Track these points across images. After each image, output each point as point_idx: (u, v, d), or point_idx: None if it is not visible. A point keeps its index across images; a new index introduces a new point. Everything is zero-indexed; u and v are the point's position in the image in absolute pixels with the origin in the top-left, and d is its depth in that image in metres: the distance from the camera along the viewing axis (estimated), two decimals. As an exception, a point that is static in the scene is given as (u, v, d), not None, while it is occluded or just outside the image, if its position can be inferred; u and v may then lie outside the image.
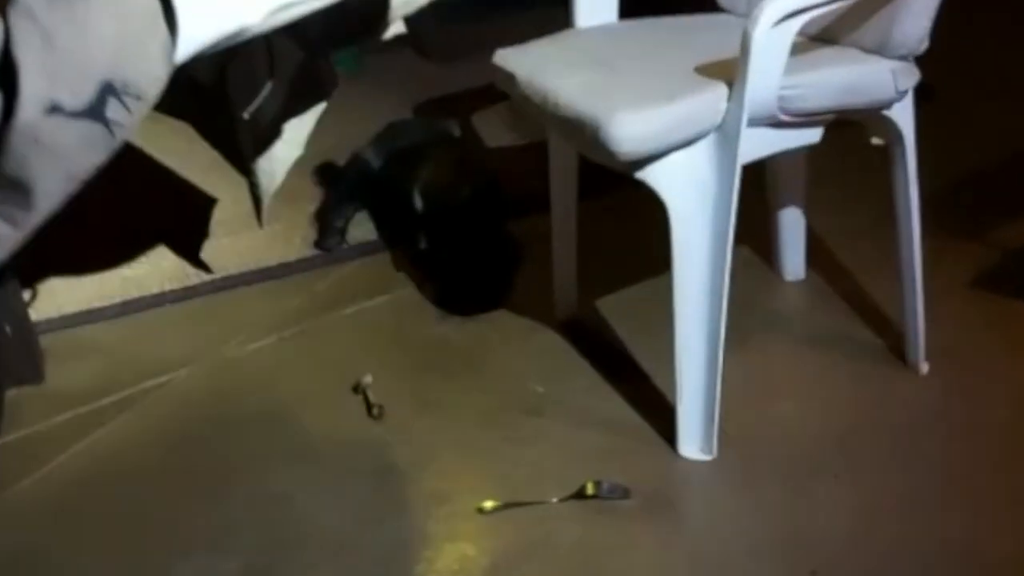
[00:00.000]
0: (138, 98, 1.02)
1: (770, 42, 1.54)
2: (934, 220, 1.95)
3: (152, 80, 1.03)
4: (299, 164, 2.92)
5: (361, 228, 2.66)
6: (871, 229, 2.30)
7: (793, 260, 2.26)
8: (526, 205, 2.52)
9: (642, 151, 1.60)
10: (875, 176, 1.90)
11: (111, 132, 1.02)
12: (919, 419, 1.87)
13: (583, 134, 1.62)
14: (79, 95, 1.00)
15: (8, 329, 2.13)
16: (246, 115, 1.77)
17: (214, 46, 1.10)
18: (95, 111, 1.00)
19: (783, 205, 2.19)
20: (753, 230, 1.92)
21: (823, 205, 2.35)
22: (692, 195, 1.65)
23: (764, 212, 2.21)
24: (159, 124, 3.22)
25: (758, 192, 2.08)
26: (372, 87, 3.22)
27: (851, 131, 1.81)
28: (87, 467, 1.93)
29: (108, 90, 1.00)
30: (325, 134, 2.40)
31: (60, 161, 1.00)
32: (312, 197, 2.82)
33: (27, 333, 2.21)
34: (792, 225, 2.21)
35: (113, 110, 1.01)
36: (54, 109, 0.98)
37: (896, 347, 2.00)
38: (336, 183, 2.69)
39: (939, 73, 1.94)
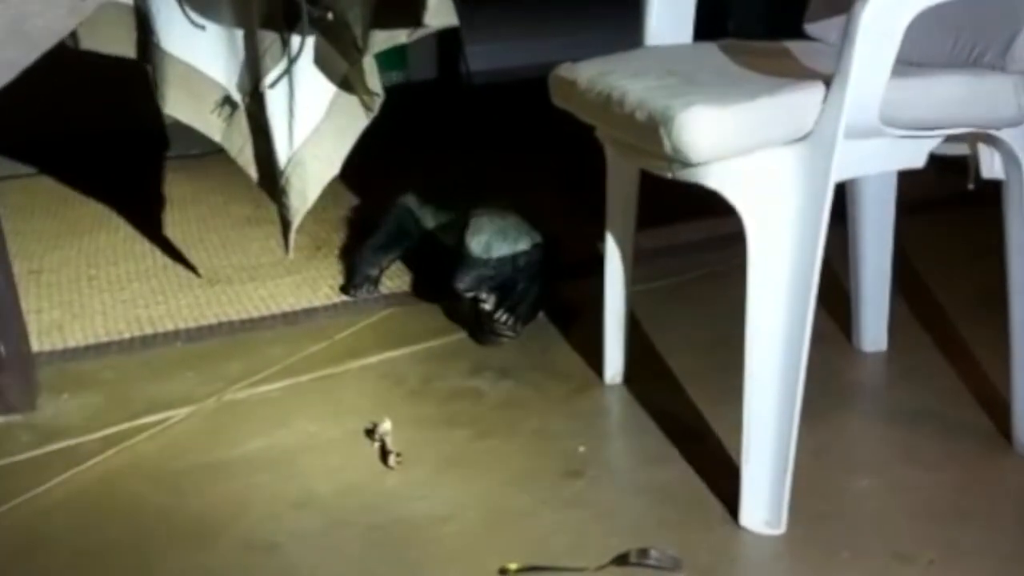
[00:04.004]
0: None
1: (879, 30, 1.33)
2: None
3: None
4: (331, 216, 2.83)
5: (394, 280, 2.47)
6: (970, 308, 2.13)
7: (874, 328, 2.01)
8: (579, 269, 2.37)
9: (719, 152, 1.38)
10: (983, 255, 1.68)
11: None
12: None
13: (650, 135, 1.41)
14: None
15: (3, 350, 1.97)
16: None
17: None
18: None
19: (867, 265, 1.95)
20: (827, 294, 1.66)
21: (914, 279, 2.17)
22: (774, 212, 1.42)
23: (842, 274, 1.98)
24: (199, 181, 3.23)
25: (834, 247, 1.85)
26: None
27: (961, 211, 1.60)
28: (62, 502, 1.72)
29: None
30: (358, 182, 2.30)
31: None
32: (341, 247, 2.69)
33: (23, 358, 2.06)
34: (876, 289, 1.97)
35: None
36: None
37: (1000, 427, 1.74)
38: (375, 231, 2.50)
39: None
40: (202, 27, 2.04)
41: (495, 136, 3.68)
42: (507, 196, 2.39)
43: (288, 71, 1.89)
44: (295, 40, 1.92)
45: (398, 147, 3.23)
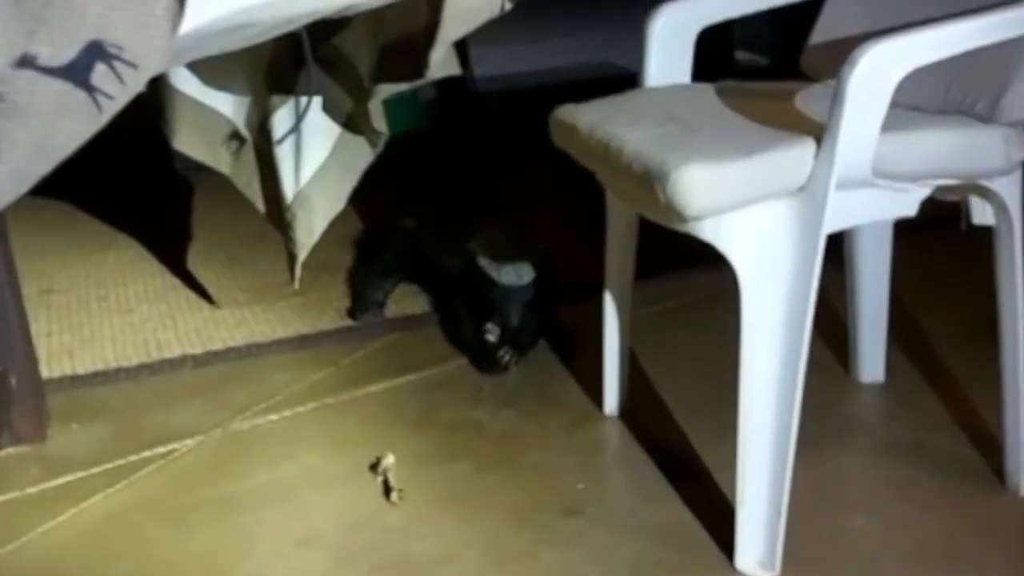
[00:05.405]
0: (133, 67, 0.85)
1: (869, 91, 1.35)
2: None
3: (151, 48, 0.86)
4: (337, 235, 2.84)
5: (398, 303, 2.50)
6: (968, 339, 2.13)
7: (872, 360, 2.03)
8: (579, 293, 2.35)
9: (713, 208, 1.40)
10: (981, 284, 1.69)
11: (96, 103, 0.84)
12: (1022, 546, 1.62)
13: (647, 188, 1.43)
14: (59, 50, 0.83)
15: (13, 381, 2.00)
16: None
17: (213, 24, 0.94)
18: (77, 73, 0.82)
19: (864, 295, 1.97)
20: (825, 324, 1.69)
21: (913, 308, 2.18)
22: (767, 264, 1.44)
23: (839, 304, 2.00)
24: (205, 194, 3.24)
25: (832, 277, 1.87)
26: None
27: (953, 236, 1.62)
28: (71, 538, 1.75)
29: (96, 52, 0.83)
30: (365, 205, 2.33)
31: (30, 124, 0.82)
32: (348, 269, 2.72)
33: (34, 388, 2.08)
34: (873, 319, 1.99)
35: (100, 77, 0.84)
36: (25, 61, 0.80)
37: (992, 465, 1.76)
38: (379, 255, 2.53)
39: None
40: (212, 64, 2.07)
41: (497, 146, 3.70)
42: (505, 217, 2.40)
43: (297, 127, 1.92)
44: (302, 79, 1.94)
45: (401, 160, 3.25)
